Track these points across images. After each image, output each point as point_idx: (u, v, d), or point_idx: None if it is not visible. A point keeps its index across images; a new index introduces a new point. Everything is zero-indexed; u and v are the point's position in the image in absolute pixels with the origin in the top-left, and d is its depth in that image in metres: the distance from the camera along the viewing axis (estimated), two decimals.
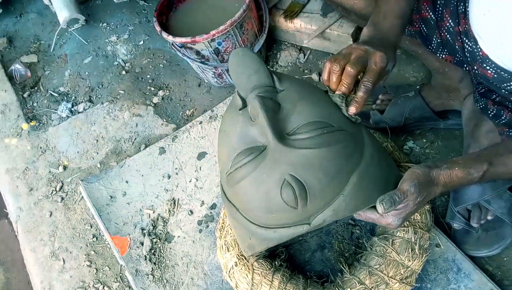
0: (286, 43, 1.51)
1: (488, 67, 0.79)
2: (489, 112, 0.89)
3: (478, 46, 0.79)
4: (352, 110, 0.78)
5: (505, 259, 1.06)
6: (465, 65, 0.92)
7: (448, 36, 0.91)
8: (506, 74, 0.77)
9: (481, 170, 0.74)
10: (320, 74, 1.42)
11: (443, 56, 0.95)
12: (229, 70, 0.83)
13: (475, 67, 0.84)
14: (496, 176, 0.75)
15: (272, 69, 0.81)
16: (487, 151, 0.75)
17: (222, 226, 1.07)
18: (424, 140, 1.22)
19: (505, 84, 0.79)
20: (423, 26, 0.94)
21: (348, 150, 0.77)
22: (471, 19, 0.80)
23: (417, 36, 0.97)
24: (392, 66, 0.80)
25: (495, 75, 0.79)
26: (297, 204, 0.74)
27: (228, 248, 1.03)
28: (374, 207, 0.74)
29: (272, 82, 0.81)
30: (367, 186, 0.76)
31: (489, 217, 1.03)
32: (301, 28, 1.40)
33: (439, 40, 0.93)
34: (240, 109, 0.82)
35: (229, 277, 1.03)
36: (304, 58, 1.47)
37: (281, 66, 1.48)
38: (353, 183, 0.75)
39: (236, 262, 1.01)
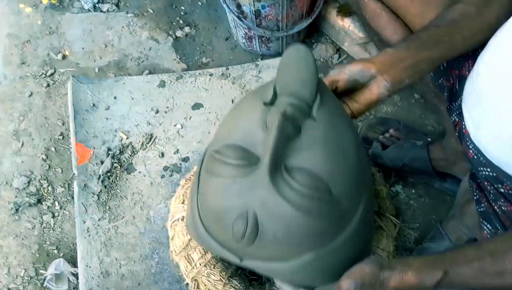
0: (327, 37, 1.44)
1: (470, 146, 0.75)
2: (474, 195, 0.84)
3: (464, 123, 0.75)
4: None
5: None
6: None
7: None
8: (482, 159, 0.73)
9: (435, 279, 0.66)
10: None
11: (456, 119, 0.89)
12: (281, 60, 0.72)
13: (462, 144, 0.79)
14: (451, 285, 0.68)
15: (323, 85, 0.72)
16: (444, 257, 0.67)
17: (190, 178, 1.03)
18: (413, 191, 1.18)
19: (481, 168, 0.75)
20: (457, 83, 0.88)
21: (322, 227, 0.70)
22: (464, 94, 0.76)
23: (446, 91, 0.91)
24: (382, 86, 0.75)
25: (475, 157, 0.75)
26: (241, 239, 0.70)
27: (183, 201, 0.99)
28: None
29: (313, 102, 0.71)
30: (314, 270, 0.71)
31: None
32: (348, 29, 1.33)
33: (460, 103, 0.86)
34: (265, 104, 0.73)
35: (171, 227, 1.00)
36: (338, 59, 1.42)
37: None
38: (303, 260, 0.70)
39: (183, 217, 0.97)
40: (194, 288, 0.94)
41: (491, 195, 0.78)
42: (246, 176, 0.69)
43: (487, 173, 0.75)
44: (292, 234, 0.68)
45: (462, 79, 0.86)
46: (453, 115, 0.90)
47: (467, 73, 0.85)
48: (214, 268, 0.93)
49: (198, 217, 0.78)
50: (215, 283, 0.93)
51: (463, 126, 0.76)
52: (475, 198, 0.84)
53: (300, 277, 0.71)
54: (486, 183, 0.78)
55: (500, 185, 0.75)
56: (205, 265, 0.93)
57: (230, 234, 0.71)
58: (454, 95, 0.89)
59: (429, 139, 1.14)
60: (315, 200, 0.67)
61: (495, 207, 0.78)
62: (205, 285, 0.93)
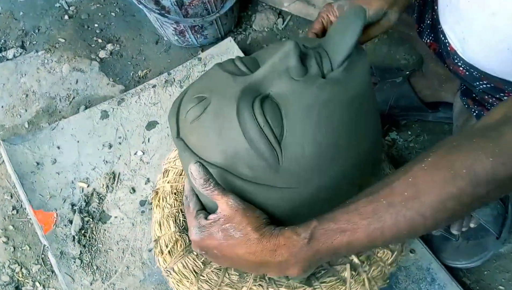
0: (264, 4, 1.44)
1: (459, 64, 0.76)
2: (472, 111, 0.87)
3: (446, 41, 0.77)
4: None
5: (485, 272, 1.03)
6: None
7: (436, 20, 0.88)
8: (476, 72, 0.75)
9: (308, 230, 0.55)
10: None
11: (428, 41, 0.91)
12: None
13: (448, 63, 0.81)
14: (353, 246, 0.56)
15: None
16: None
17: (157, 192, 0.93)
18: (409, 132, 1.19)
19: (476, 83, 0.77)
20: None
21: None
22: (438, 10, 0.78)
23: (416, 11, 0.93)
24: (393, 17, 0.79)
25: (467, 73, 0.77)
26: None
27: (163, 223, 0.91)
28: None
29: (337, 67, 0.64)
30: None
31: (472, 225, 1.00)
32: None
33: (429, 22, 0.90)
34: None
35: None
36: (283, 24, 1.41)
37: (255, 30, 1.41)
38: None
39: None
40: None
41: (494, 106, 0.81)
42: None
43: (484, 86, 0.77)
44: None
45: None
46: (425, 36, 0.92)
47: None
48: None
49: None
50: None
51: (447, 44, 0.78)
52: (474, 114, 0.87)
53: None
54: (486, 96, 0.80)
55: (502, 94, 0.77)
56: None
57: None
58: (421, 13, 0.92)
59: (407, 72, 1.16)
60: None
61: None
62: None
